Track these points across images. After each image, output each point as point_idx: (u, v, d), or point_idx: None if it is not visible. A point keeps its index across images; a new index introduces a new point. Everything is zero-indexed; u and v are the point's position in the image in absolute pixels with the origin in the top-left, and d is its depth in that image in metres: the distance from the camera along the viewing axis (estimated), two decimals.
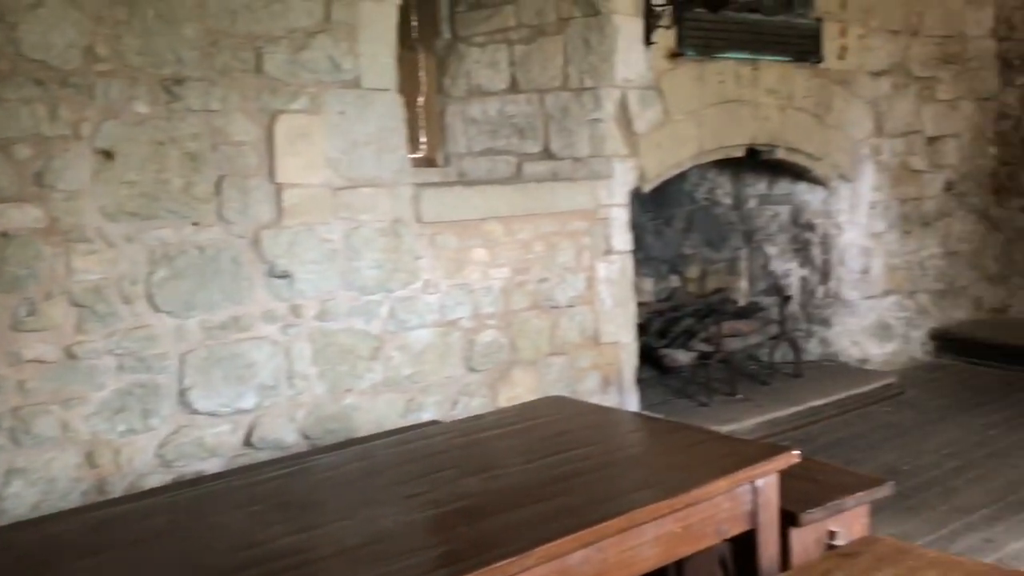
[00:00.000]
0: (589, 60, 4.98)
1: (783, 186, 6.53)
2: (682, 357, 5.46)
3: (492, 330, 4.60)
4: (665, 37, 5.16)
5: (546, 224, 4.77)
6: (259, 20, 3.86)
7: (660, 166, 5.24)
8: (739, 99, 5.56)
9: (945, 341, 6.74)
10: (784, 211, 6.58)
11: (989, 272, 7.30)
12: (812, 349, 6.50)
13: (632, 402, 5.17)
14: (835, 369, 6.21)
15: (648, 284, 6.37)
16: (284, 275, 3.93)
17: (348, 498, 2.44)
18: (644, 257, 6.33)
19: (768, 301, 6.55)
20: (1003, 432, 5.03)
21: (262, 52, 3.86)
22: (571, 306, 4.90)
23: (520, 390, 4.71)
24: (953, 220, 7.01)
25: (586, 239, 4.95)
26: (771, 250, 6.65)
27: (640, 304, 5.99)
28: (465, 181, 4.88)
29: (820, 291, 6.45)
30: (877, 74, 6.36)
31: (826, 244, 6.41)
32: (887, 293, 6.56)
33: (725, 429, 5.06)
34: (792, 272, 6.60)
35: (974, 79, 7.04)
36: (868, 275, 6.43)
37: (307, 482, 2.64)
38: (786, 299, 6.12)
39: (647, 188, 5.27)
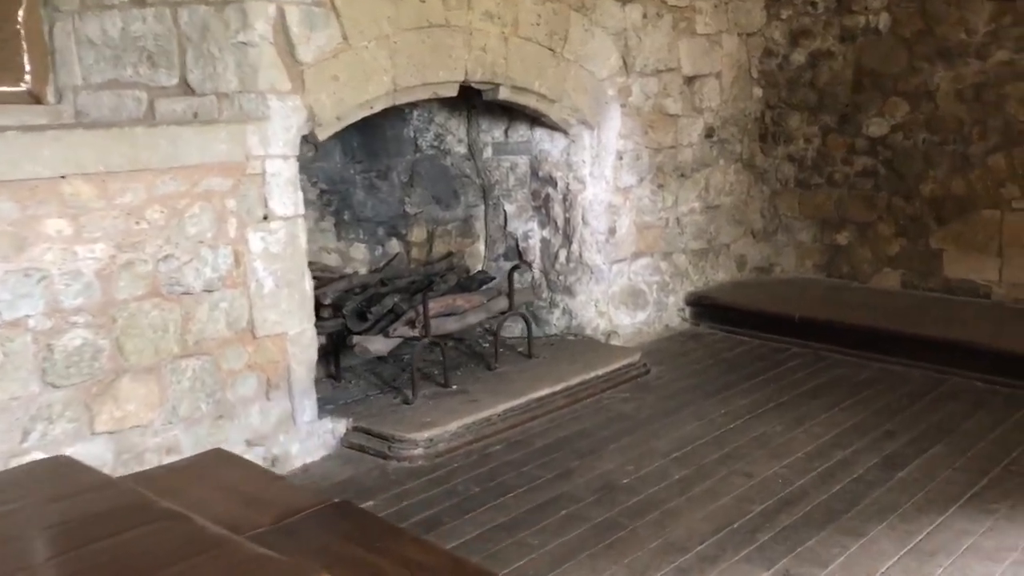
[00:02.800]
0: None
1: (521, 132, 5.57)
2: (377, 345, 4.43)
3: (82, 329, 3.39)
4: None
5: (166, 183, 3.58)
6: None
7: (340, 106, 4.12)
8: (447, 24, 4.50)
9: (703, 307, 6.05)
10: (523, 162, 5.63)
11: (754, 228, 6.67)
12: (556, 322, 5.64)
13: (307, 407, 4.11)
14: (577, 346, 5.37)
15: (360, 251, 5.29)
16: None
17: None
18: (354, 218, 5.25)
19: (508, 267, 5.64)
20: (743, 424, 4.31)
21: None
22: (211, 291, 3.75)
23: (133, 407, 3.55)
24: (714, 170, 6.29)
25: (231, 202, 3.79)
26: (510, 208, 5.70)
27: (341, 277, 4.93)
28: (25, 127, 3.58)
29: (563, 255, 5.58)
30: (624, 1, 5.45)
31: (568, 201, 5.51)
32: (637, 255, 5.77)
33: (422, 436, 4.11)
34: (533, 233, 5.69)
35: (737, 11, 6.28)
36: (615, 236, 5.60)
37: None
38: (515, 268, 5.19)
39: (324, 134, 4.15)
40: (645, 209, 5.79)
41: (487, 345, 5.30)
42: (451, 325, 4.75)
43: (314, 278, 4.83)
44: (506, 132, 5.61)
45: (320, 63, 4.03)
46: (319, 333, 4.63)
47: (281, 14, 3.86)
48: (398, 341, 4.52)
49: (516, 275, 5.66)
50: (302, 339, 4.06)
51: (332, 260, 5.09)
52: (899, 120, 5.94)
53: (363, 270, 5.25)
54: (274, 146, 3.89)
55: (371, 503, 3.65)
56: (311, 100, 4.01)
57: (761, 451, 4.00)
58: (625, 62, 5.51)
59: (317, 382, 4.81)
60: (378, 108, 4.34)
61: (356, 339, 4.41)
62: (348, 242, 5.19)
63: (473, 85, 4.73)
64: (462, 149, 5.74)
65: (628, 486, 3.71)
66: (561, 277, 5.60)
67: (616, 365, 5.04)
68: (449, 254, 5.61)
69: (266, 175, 3.88)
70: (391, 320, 4.63)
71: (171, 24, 3.91)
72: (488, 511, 3.54)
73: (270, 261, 3.92)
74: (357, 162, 5.21)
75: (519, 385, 4.69)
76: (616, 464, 3.93)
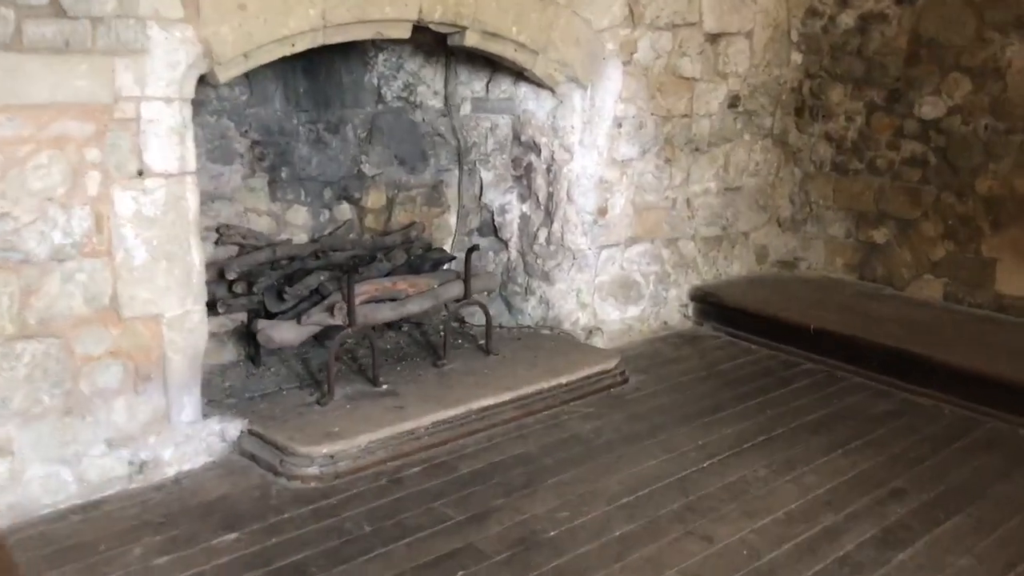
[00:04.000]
0: None
1: (504, 88, 4.76)
2: (284, 334, 3.71)
3: None
4: None
5: (1, 124, 2.88)
6: None
7: (247, 42, 3.37)
8: None
9: (708, 304, 5.22)
10: (504, 122, 4.82)
11: (780, 215, 5.79)
12: (531, 311, 4.86)
13: (186, 405, 3.42)
14: (548, 343, 4.60)
15: (300, 216, 4.55)
16: None
17: None
18: (294, 177, 4.51)
19: (484, 244, 4.88)
20: (719, 464, 3.51)
21: None
22: (61, 260, 3.06)
23: None
24: (737, 146, 5.40)
25: (92, 152, 3.08)
26: (487, 175, 4.92)
27: (267, 246, 4.23)
28: None
29: (543, 235, 4.78)
30: None
31: (553, 172, 4.71)
32: (633, 240, 4.95)
33: (320, 451, 3.41)
34: (511, 207, 4.90)
35: None
36: (606, 217, 4.78)
37: None
38: (473, 249, 4.42)
39: (226, 75, 3.41)
40: (647, 187, 4.95)
41: (442, 335, 4.52)
42: (385, 313, 4.02)
43: (235, 244, 4.17)
44: (487, 86, 4.80)
45: None
46: (230, 311, 3.97)
47: None
48: (314, 330, 3.80)
49: (490, 255, 4.95)
50: (184, 323, 3.36)
51: (264, 224, 4.37)
52: (958, 101, 4.98)
53: (303, 237, 4.53)
54: (153, 86, 3.16)
55: (233, 536, 2.96)
56: (208, 32, 3.26)
57: (732, 504, 3.21)
58: (632, 11, 4.64)
59: (233, 366, 4.19)
60: (301, 47, 3.57)
61: (261, 325, 3.70)
62: (285, 204, 4.45)
63: (431, 27, 3.93)
64: (437, 103, 4.95)
65: (552, 541, 2.96)
66: (539, 260, 4.81)
67: (587, 371, 4.27)
68: (411, 225, 4.85)
69: (141, 121, 3.16)
70: (315, 302, 3.91)
71: None
72: (369, 563, 2.83)
73: (143, 226, 3.21)
74: (302, 110, 4.45)
75: (461, 391, 3.95)
76: (548, 508, 3.18)
